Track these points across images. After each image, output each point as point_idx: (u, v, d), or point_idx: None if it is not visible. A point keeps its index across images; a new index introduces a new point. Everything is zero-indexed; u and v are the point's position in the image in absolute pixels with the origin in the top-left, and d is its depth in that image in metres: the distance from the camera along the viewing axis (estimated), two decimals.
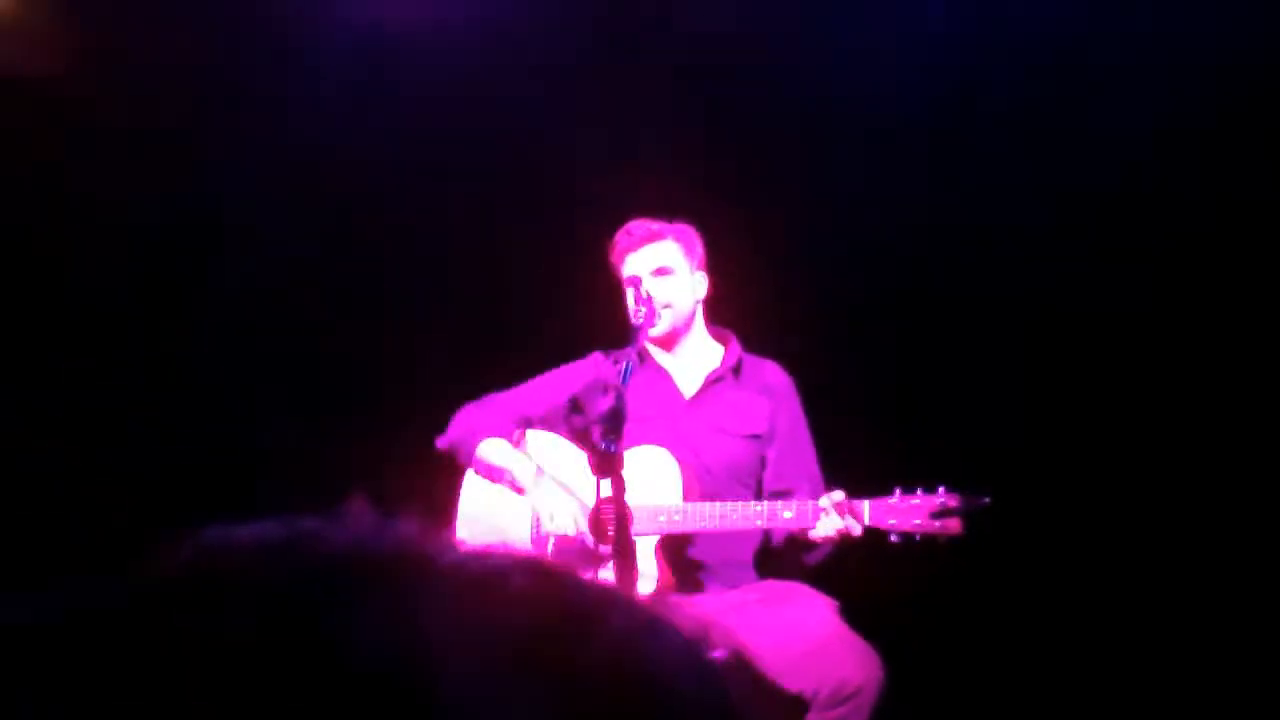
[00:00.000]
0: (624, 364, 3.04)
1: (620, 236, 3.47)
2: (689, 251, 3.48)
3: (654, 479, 3.23)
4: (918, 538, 3.02)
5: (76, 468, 4.34)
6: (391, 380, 4.36)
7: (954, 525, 3.01)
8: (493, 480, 3.41)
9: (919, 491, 3.05)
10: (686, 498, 3.23)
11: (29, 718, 0.54)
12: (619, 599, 0.67)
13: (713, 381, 3.46)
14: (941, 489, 3.05)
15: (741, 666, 3.11)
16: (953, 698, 4.02)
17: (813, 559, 3.27)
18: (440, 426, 3.49)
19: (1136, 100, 4.07)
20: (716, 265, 3.54)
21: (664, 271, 3.41)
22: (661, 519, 3.19)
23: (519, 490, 3.36)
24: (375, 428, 4.22)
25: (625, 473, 2.80)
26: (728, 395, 3.46)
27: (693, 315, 3.49)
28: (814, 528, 3.08)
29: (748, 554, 3.35)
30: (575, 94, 4.31)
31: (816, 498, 3.25)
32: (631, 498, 2.82)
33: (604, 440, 2.77)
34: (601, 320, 3.61)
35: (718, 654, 3.19)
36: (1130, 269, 4.12)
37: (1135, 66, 4.04)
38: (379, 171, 4.44)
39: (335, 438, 4.24)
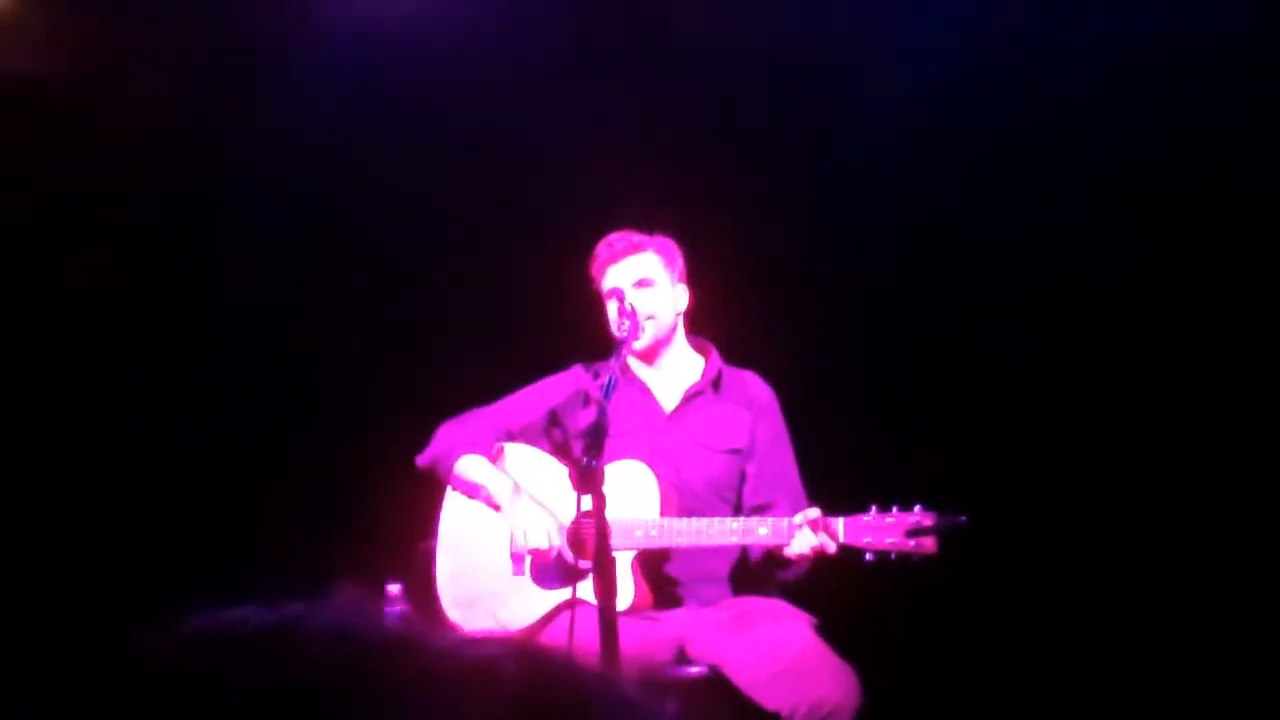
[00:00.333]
0: (608, 378, 3.04)
1: (601, 249, 3.47)
2: (670, 263, 3.48)
3: (632, 494, 3.23)
4: (893, 556, 3.02)
5: (74, 470, 4.33)
6: (372, 398, 4.36)
7: (929, 544, 3.01)
8: (470, 496, 3.41)
9: (894, 509, 3.05)
10: (664, 513, 3.23)
11: None
12: (609, 685, 0.66)
13: (692, 395, 3.46)
14: (918, 507, 3.04)
15: (718, 683, 3.11)
16: (931, 718, 4.02)
17: (789, 575, 3.27)
18: (422, 444, 3.49)
19: (1132, 104, 4.09)
20: (696, 277, 3.55)
21: (645, 283, 3.41)
22: (638, 534, 3.19)
23: (495, 507, 3.36)
24: (357, 445, 4.22)
25: (605, 488, 2.80)
26: (707, 409, 3.46)
27: (674, 327, 3.49)
28: (789, 545, 3.08)
29: (725, 569, 3.35)
30: (555, 106, 4.31)
31: (797, 512, 3.26)
32: (610, 512, 2.82)
33: (585, 455, 2.76)
34: (581, 332, 3.61)
35: (695, 671, 3.20)
36: (1125, 277, 4.11)
37: (1135, 69, 4.06)
38: (359, 181, 4.45)
39: (317, 456, 4.24)
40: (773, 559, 3.21)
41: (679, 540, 3.18)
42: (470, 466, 3.40)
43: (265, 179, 4.38)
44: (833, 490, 3.35)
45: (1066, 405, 4.18)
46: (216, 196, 4.45)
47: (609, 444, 2.86)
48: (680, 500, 3.29)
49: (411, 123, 4.38)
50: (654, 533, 3.19)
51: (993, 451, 4.09)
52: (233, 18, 4.32)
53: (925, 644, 4.07)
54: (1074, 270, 4.17)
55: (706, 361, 3.52)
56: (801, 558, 3.08)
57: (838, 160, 4.22)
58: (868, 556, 3.03)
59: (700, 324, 3.59)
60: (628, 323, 3.26)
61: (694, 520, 3.19)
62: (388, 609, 3.09)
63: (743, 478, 3.42)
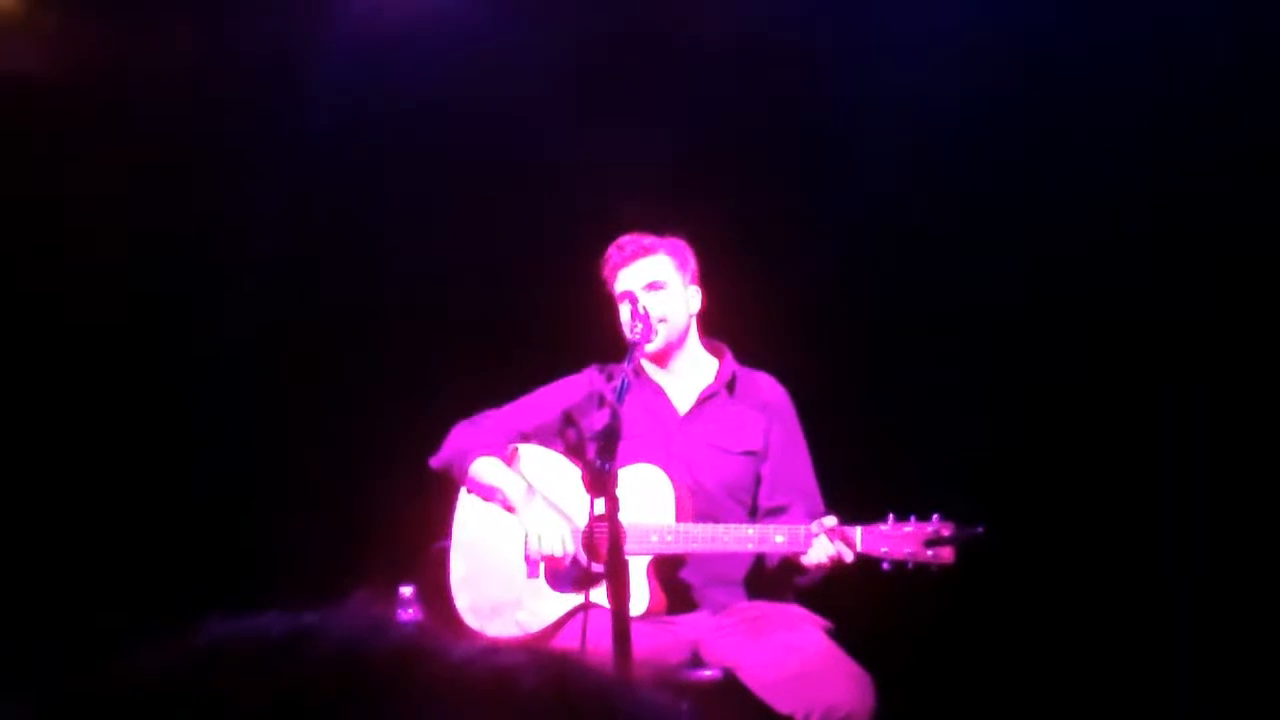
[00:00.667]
0: (620, 380, 3.03)
1: (612, 251, 3.46)
2: (681, 265, 3.46)
3: (647, 498, 3.22)
4: (910, 566, 3.01)
5: (83, 477, 4.33)
6: (386, 399, 4.35)
7: (946, 554, 3.00)
8: (486, 499, 3.41)
9: (912, 519, 3.04)
10: (680, 517, 3.22)
11: None
12: (630, 692, 0.64)
13: (707, 398, 3.45)
14: (935, 516, 3.03)
15: (732, 687, 3.11)
16: None
17: (804, 581, 3.27)
18: (435, 445, 3.49)
19: (1135, 110, 4.07)
20: (709, 278, 3.54)
21: (657, 286, 3.39)
22: (654, 539, 3.18)
23: (510, 509, 3.35)
24: (371, 446, 4.21)
25: (619, 491, 2.79)
26: (722, 411, 3.45)
27: (686, 329, 3.48)
28: (806, 553, 3.07)
29: (740, 574, 3.34)
30: (568, 108, 4.30)
31: (812, 514, 3.25)
32: (624, 517, 2.81)
33: (598, 458, 2.75)
34: (596, 334, 3.60)
35: (709, 674, 3.20)
36: (1140, 284, 4.10)
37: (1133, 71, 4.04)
38: (372, 187, 4.44)
39: (332, 457, 4.24)
40: (788, 565, 3.20)
41: (695, 546, 3.18)
42: (485, 468, 3.40)
43: (275, 181, 4.38)
44: (846, 495, 3.34)
45: (1085, 414, 4.17)
46: (226, 200, 4.43)
47: (623, 446, 2.84)
48: (695, 503, 3.29)
49: (424, 125, 4.37)
50: (669, 538, 3.19)
51: (1010, 460, 4.08)
52: (244, 21, 4.31)
53: (940, 650, 4.06)
54: (1090, 274, 4.15)
55: (720, 363, 3.51)
56: (818, 566, 3.07)
57: (853, 161, 4.20)
58: (884, 566, 3.03)
59: (714, 325, 3.58)
60: (640, 325, 3.25)
61: (710, 526, 3.19)
62: (402, 615, 3.09)
63: (758, 480, 3.41)
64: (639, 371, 3.42)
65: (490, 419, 3.49)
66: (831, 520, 3.07)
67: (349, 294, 4.51)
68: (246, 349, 4.45)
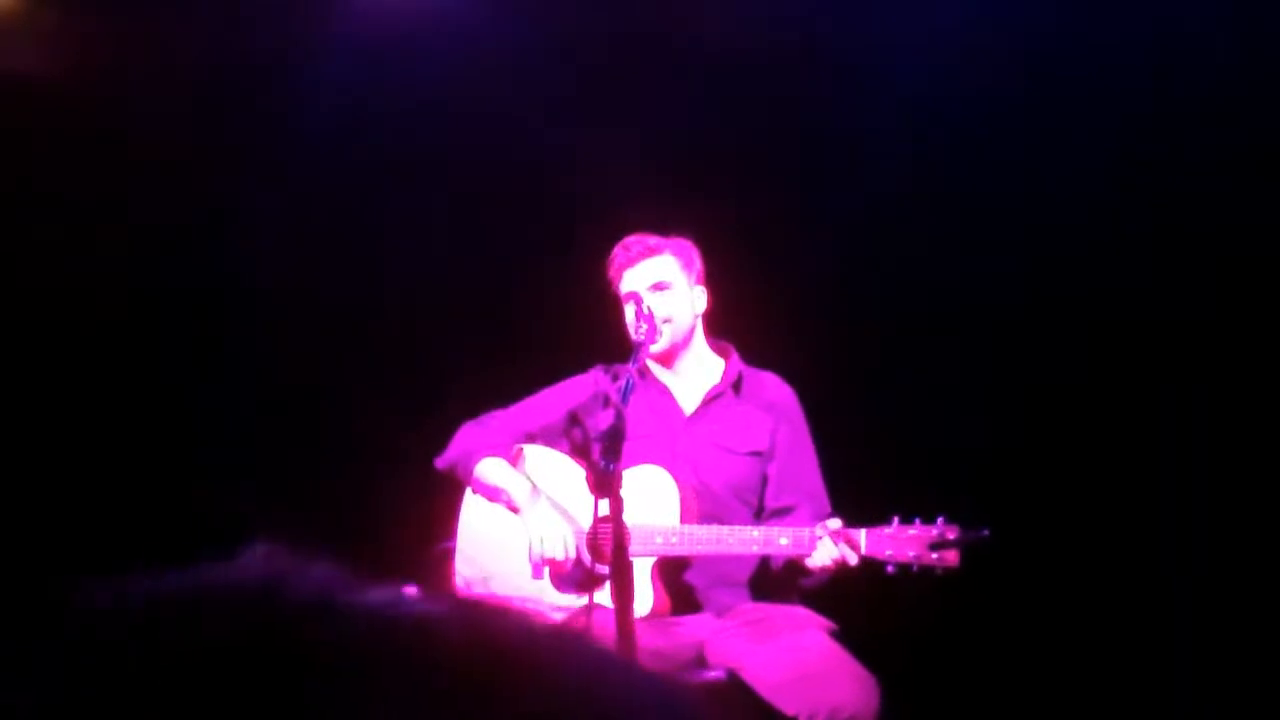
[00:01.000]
0: (625, 381, 3.02)
1: (617, 252, 3.45)
2: (687, 265, 3.46)
3: (652, 499, 3.22)
4: (914, 568, 3.01)
5: (88, 477, 4.33)
6: (391, 399, 4.35)
7: (951, 558, 2.99)
8: (491, 500, 3.41)
9: (917, 521, 3.03)
10: (685, 519, 3.22)
11: None
12: (567, 646, 0.61)
13: (712, 398, 3.45)
14: (940, 520, 3.03)
15: (737, 688, 3.11)
16: None
17: (809, 583, 3.26)
18: (440, 445, 3.49)
19: (1135, 110, 4.07)
20: (715, 278, 3.53)
21: (662, 286, 3.39)
22: (658, 540, 3.18)
23: (515, 510, 3.35)
24: (375, 447, 4.21)
25: (623, 492, 2.79)
26: (728, 412, 3.44)
27: (692, 330, 3.47)
28: (810, 555, 3.07)
29: (745, 576, 3.33)
30: (573, 107, 4.30)
31: (819, 514, 3.25)
32: (629, 518, 2.81)
33: (603, 459, 2.75)
34: (601, 335, 3.60)
35: (713, 675, 3.19)
36: (1155, 284, 4.09)
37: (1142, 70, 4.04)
38: (376, 188, 4.44)
39: (335, 457, 4.24)
40: (793, 567, 3.20)
41: (699, 548, 3.17)
42: (490, 469, 3.40)
43: (277, 181, 4.38)
44: (850, 496, 3.34)
45: (1085, 414, 4.16)
46: (229, 199, 4.44)
47: (629, 447, 2.84)
48: (701, 504, 3.28)
49: (428, 125, 4.37)
50: (674, 539, 3.18)
51: (1010, 460, 4.08)
52: (245, 21, 4.31)
53: (945, 651, 4.05)
54: (1090, 274, 4.15)
55: (727, 363, 3.51)
56: (822, 569, 3.07)
57: (857, 161, 4.20)
58: (889, 569, 3.03)
59: (720, 326, 3.58)
60: (645, 326, 3.24)
61: (715, 528, 3.18)
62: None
63: (764, 480, 3.40)
64: (644, 372, 3.41)
65: (495, 419, 3.49)
66: (836, 523, 3.07)
67: (352, 294, 4.51)
68: (248, 349, 4.45)
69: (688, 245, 3.49)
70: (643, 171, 4.15)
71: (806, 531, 3.09)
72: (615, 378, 3.45)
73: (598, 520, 2.85)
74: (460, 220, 4.45)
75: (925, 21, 4.11)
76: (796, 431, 3.46)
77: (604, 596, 2.94)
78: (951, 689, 4.04)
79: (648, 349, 3.26)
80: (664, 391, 3.47)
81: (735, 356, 3.52)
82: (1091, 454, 4.14)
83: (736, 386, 3.47)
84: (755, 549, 3.17)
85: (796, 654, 3.07)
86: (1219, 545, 4.04)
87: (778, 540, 3.12)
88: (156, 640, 0.54)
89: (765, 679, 3.07)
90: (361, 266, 4.52)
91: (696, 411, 3.44)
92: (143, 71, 4.34)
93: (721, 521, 3.24)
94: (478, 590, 3.38)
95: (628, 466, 2.97)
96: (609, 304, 3.49)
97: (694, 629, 3.25)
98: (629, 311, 3.36)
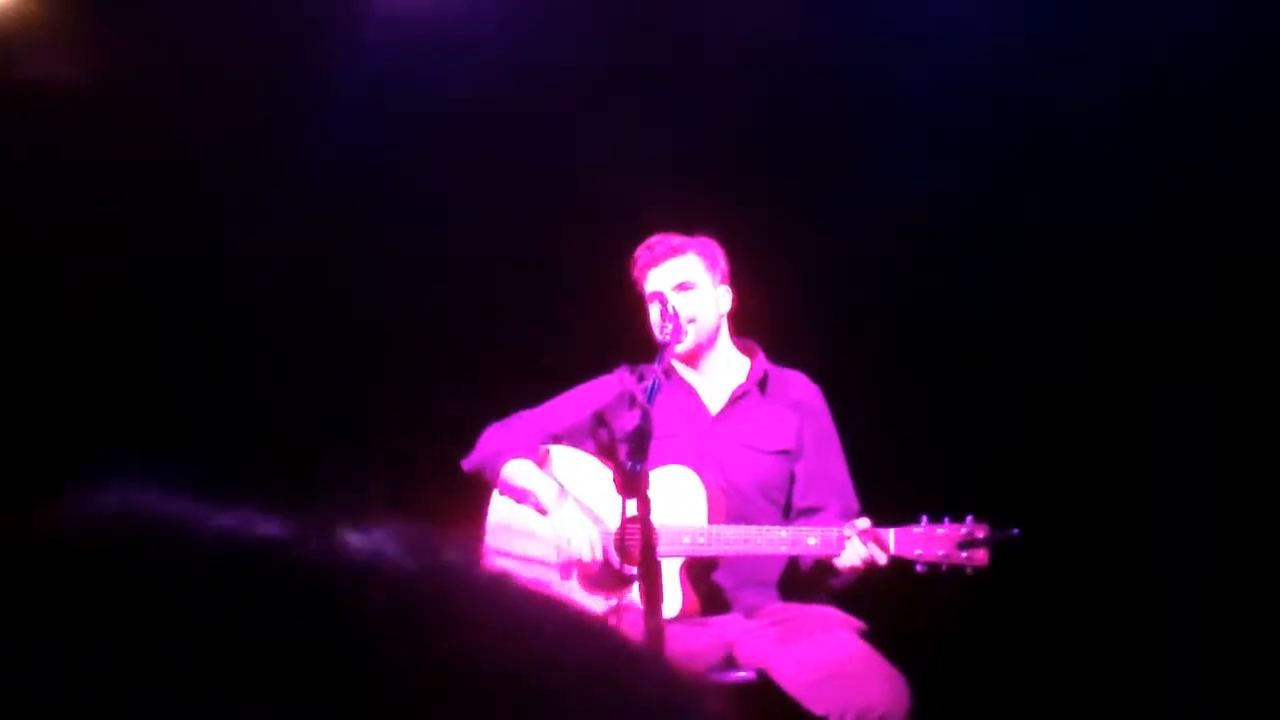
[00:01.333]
0: (650, 381, 3.01)
1: (641, 252, 3.45)
2: (711, 265, 3.45)
3: (679, 500, 3.22)
4: (944, 568, 3.00)
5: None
6: (417, 401, 4.35)
7: (980, 557, 2.98)
8: (519, 501, 3.41)
9: (946, 520, 3.02)
10: (712, 519, 3.22)
11: None
12: (503, 588, 0.62)
13: (738, 397, 3.44)
14: (969, 518, 3.01)
15: (766, 688, 3.10)
16: None
17: (838, 583, 3.25)
18: (467, 447, 3.49)
19: (1136, 110, 4.05)
20: (740, 277, 3.52)
21: (686, 286, 3.38)
22: (686, 541, 3.18)
23: (542, 512, 3.35)
24: (401, 449, 4.22)
25: (650, 492, 2.78)
26: (754, 410, 3.43)
27: (717, 329, 3.46)
28: (839, 555, 3.06)
29: (773, 576, 3.33)
30: (599, 106, 4.30)
31: (847, 513, 3.24)
32: (656, 518, 2.81)
33: (630, 459, 2.75)
34: (626, 334, 3.59)
35: (743, 675, 3.19)
36: (1181, 282, 4.07)
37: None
38: (402, 187, 4.44)
39: (362, 459, 4.24)
40: (822, 567, 3.19)
41: (727, 548, 3.17)
42: (517, 470, 3.40)
43: (302, 181, 4.38)
44: (878, 495, 3.33)
45: (1085, 414, 4.15)
46: (253, 200, 4.45)
47: (655, 447, 2.83)
48: (728, 504, 3.28)
49: (454, 126, 4.37)
50: (702, 540, 3.18)
51: (1044, 460, 4.07)
52: (268, 20, 4.32)
53: (976, 650, 4.04)
54: (1089, 274, 4.13)
55: (752, 362, 3.50)
56: (851, 569, 3.06)
57: (885, 159, 4.18)
58: (918, 568, 3.01)
59: (746, 324, 3.57)
60: (670, 326, 3.23)
61: (742, 528, 3.18)
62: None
63: (791, 479, 3.40)
64: (670, 372, 3.40)
65: (522, 420, 3.49)
66: (865, 522, 3.06)
67: (377, 296, 4.51)
68: (274, 350, 4.46)
69: (712, 245, 3.48)
70: (668, 171, 4.14)
71: (835, 531, 3.08)
72: (640, 378, 3.44)
73: (626, 521, 2.84)
74: (484, 221, 4.45)
75: (959, 18, 4.09)
76: (823, 430, 3.44)
77: (633, 597, 2.95)
78: (983, 689, 4.02)
79: (673, 349, 3.25)
80: (690, 391, 3.46)
81: (761, 355, 3.51)
82: (1089, 453, 4.12)
83: (762, 385, 3.46)
84: (783, 549, 3.16)
85: (826, 654, 3.06)
86: (1219, 545, 4.02)
87: (806, 540, 3.11)
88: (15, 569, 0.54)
89: (795, 679, 3.06)
90: (385, 268, 4.52)
91: (722, 411, 3.43)
92: (163, 71, 4.35)
93: (749, 521, 3.23)
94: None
95: (654, 467, 2.96)
96: (634, 304, 3.49)
97: (723, 629, 3.24)
98: (654, 311, 3.35)
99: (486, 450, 3.46)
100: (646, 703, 0.58)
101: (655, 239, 3.45)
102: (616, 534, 3.27)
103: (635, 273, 3.46)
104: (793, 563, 3.31)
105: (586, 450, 3.45)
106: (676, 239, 3.44)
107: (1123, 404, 4.13)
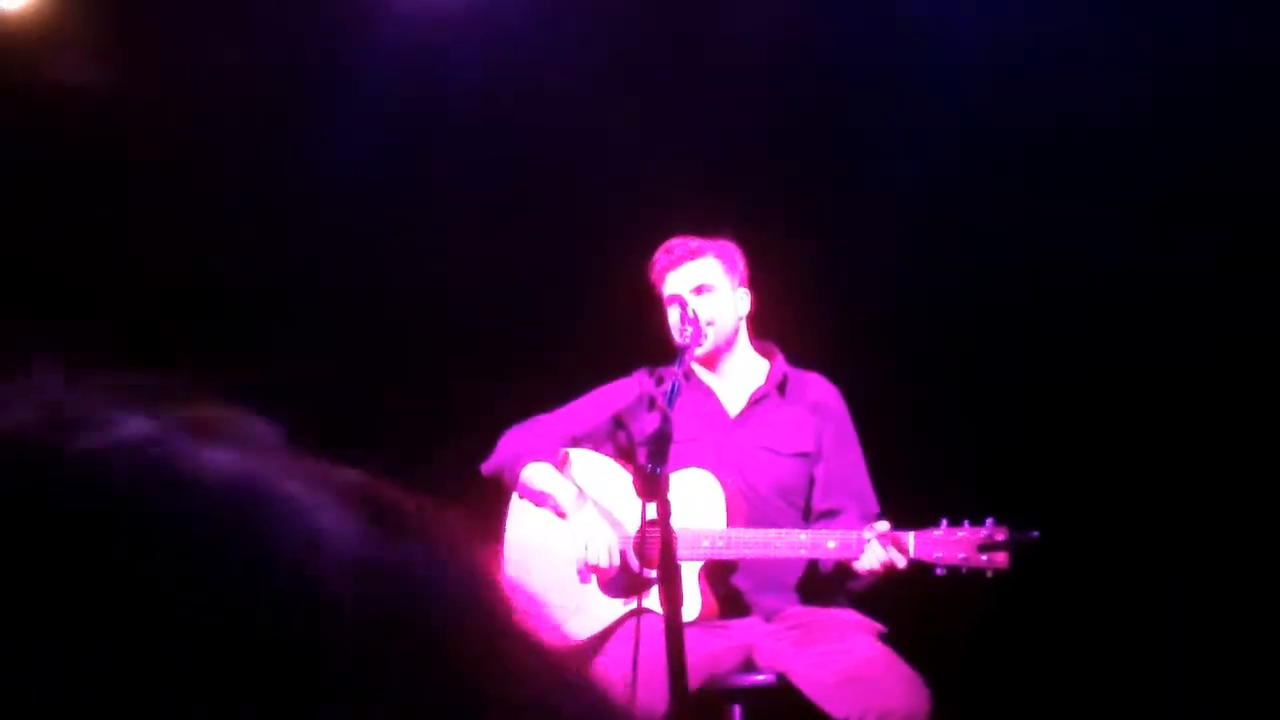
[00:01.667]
0: (670, 384, 3.01)
1: (660, 255, 3.45)
2: (730, 268, 3.45)
3: (698, 503, 3.22)
4: (964, 571, 3.00)
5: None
6: (437, 404, 4.35)
7: (1001, 559, 2.98)
8: (538, 504, 3.41)
9: (966, 523, 3.01)
10: (731, 522, 3.22)
11: None
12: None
13: (757, 399, 3.44)
14: (989, 521, 3.01)
15: (786, 691, 3.10)
16: None
17: (858, 586, 3.25)
18: (486, 450, 3.50)
19: (1137, 110, 4.05)
20: (759, 279, 3.52)
21: (705, 289, 3.38)
22: (705, 544, 3.18)
23: (561, 515, 3.36)
24: (420, 452, 4.22)
25: (670, 496, 2.78)
26: (774, 413, 3.43)
27: (736, 332, 3.46)
28: (859, 559, 3.06)
29: (793, 579, 3.32)
30: (612, 109, 4.30)
31: (866, 516, 3.25)
32: (676, 522, 2.81)
33: (650, 462, 2.75)
34: (645, 337, 3.60)
35: (763, 679, 3.19)
36: (1181, 282, 4.06)
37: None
38: (419, 190, 4.45)
39: (380, 459, 4.24)
40: (841, 570, 3.19)
41: (746, 551, 3.17)
42: (537, 474, 3.40)
43: (320, 182, 4.39)
44: (896, 498, 3.33)
45: (1085, 414, 4.14)
46: (280, 200, 4.46)
47: (674, 450, 2.84)
48: (748, 507, 3.28)
49: (472, 127, 4.37)
50: (721, 543, 3.18)
51: (1044, 461, 4.06)
52: (293, 18, 4.34)
53: (996, 653, 4.03)
54: (1089, 274, 4.13)
55: (771, 365, 3.50)
56: (871, 572, 3.06)
57: (899, 160, 4.18)
58: (938, 571, 3.01)
59: (765, 327, 3.57)
60: (689, 329, 3.23)
61: (762, 531, 3.18)
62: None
63: (811, 482, 3.39)
64: (689, 375, 3.40)
65: (541, 423, 3.50)
66: (884, 525, 3.06)
67: (395, 299, 4.52)
68: (286, 351, 4.46)
69: (731, 247, 3.48)
70: (686, 173, 4.14)
71: (854, 534, 3.08)
72: (659, 381, 3.45)
73: (645, 524, 2.84)
74: (503, 223, 4.46)
75: (980, 21, 4.09)
76: (842, 432, 3.44)
77: (652, 601, 2.95)
78: (1004, 692, 4.01)
79: (692, 352, 3.25)
80: (709, 394, 3.46)
81: (780, 358, 3.51)
82: (1088, 453, 4.11)
83: (781, 388, 3.46)
84: (803, 552, 3.16)
85: (846, 657, 3.05)
86: (1219, 545, 4.01)
87: (825, 543, 3.11)
88: None
89: (815, 682, 3.06)
90: (402, 270, 4.53)
91: (742, 413, 3.43)
92: (184, 73, 4.37)
93: (768, 524, 3.23)
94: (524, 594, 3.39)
95: (673, 470, 2.96)
96: (652, 307, 3.49)
97: (742, 633, 3.24)
98: (672, 314, 3.35)
99: (506, 453, 3.46)
100: None
101: (674, 242, 3.45)
102: (636, 537, 3.27)
103: (654, 276, 3.46)
104: (812, 566, 3.30)
105: (606, 453, 3.46)
106: (695, 242, 3.44)
107: (1123, 404, 4.12)
